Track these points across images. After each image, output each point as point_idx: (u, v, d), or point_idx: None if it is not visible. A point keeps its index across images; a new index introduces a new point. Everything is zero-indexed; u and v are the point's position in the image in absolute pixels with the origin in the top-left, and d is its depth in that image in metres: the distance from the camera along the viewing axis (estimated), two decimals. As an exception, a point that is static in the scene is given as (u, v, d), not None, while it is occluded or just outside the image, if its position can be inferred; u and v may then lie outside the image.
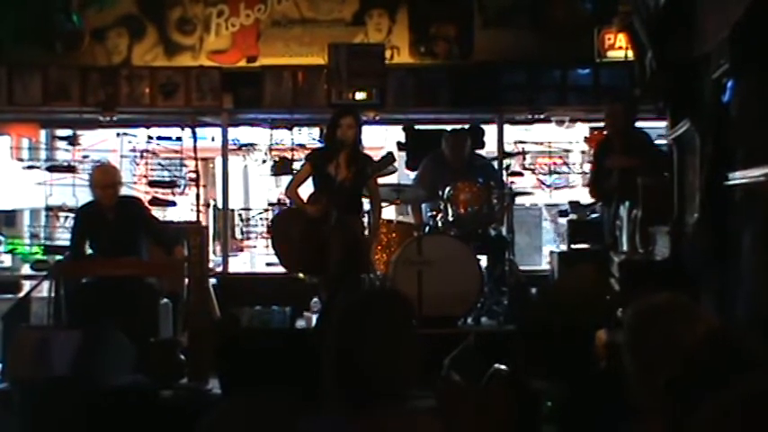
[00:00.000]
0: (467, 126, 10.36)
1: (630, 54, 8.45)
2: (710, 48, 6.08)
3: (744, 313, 5.22)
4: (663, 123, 8.58)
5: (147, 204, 9.09)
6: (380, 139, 12.84)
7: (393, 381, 2.87)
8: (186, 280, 7.94)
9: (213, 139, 11.64)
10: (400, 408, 2.87)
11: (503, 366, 5.08)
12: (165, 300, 8.22)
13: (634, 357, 2.84)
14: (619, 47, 9.61)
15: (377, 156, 8.56)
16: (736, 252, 5.50)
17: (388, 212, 9.64)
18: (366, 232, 8.44)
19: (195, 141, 8.94)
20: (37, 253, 10.51)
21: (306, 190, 8.44)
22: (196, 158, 9.00)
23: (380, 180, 8.65)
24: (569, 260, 9.19)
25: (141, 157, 10.63)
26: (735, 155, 5.61)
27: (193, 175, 9.22)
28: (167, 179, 10.43)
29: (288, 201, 9.04)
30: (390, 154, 8.33)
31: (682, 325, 2.74)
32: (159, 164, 10.53)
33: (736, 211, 5.59)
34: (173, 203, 10.41)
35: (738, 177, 5.45)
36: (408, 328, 2.95)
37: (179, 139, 10.36)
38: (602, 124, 9.78)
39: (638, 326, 2.87)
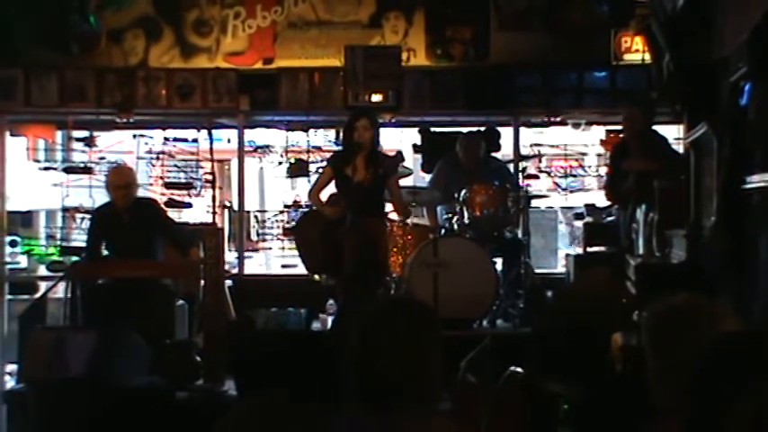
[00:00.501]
0: (482, 128, 10.36)
1: (647, 57, 8.43)
2: (729, 51, 6.07)
3: (761, 317, 5.20)
4: (679, 126, 8.60)
5: (162, 206, 9.12)
6: (396, 141, 12.83)
7: (414, 384, 2.88)
8: (202, 281, 7.96)
9: (229, 141, 11.63)
10: (419, 410, 2.88)
11: (518, 369, 5.08)
12: (181, 301, 8.23)
13: (654, 358, 2.82)
14: (636, 50, 9.60)
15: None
16: (754, 256, 5.48)
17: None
18: (388, 233, 8.47)
19: (211, 143, 8.94)
20: (53, 254, 10.54)
21: (329, 192, 8.47)
22: (212, 160, 9.01)
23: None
24: (585, 263, 9.16)
25: (157, 158, 10.64)
26: (752, 158, 5.59)
27: (209, 177, 9.22)
28: (183, 181, 10.44)
29: (309, 203, 9.07)
30: (399, 153, 8.32)
31: (703, 326, 2.73)
32: (175, 165, 10.54)
33: (754, 214, 5.58)
34: (188, 205, 10.42)
35: (756, 181, 5.43)
36: (431, 332, 2.97)
37: (195, 140, 10.37)
38: (618, 127, 9.75)
39: (660, 326, 2.85)
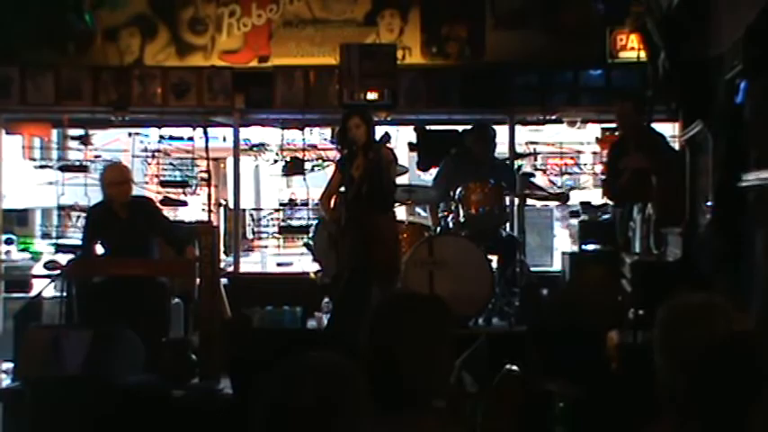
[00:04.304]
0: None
1: (643, 55, 8.43)
2: (724, 49, 6.07)
3: (757, 315, 5.20)
4: (675, 124, 8.59)
5: (158, 204, 9.10)
6: (392, 139, 12.81)
7: (426, 382, 2.88)
8: (197, 280, 7.95)
9: (225, 139, 11.64)
10: (428, 408, 2.88)
11: (514, 367, 5.08)
12: (177, 299, 8.23)
13: (666, 357, 2.77)
14: (631, 47, 9.59)
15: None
16: (749, 253, 5.49)
17: (399, 213, 9.65)
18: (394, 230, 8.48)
19: (207, 141, 8.94)
20: (49, 252, 10.52)
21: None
22: (207, 158, 9.01)
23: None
24: (580, 261, 9.17)
25: (153, 156, 10.64)
26: (748, 156, 5.60)
27: (205, 175, 9.23)
28: (179, 179, 10.44)
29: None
30: (386, 133, 8.29)
31: (718, 326, 2.68)
32: (171, 164, 10.54)
33: (749, 212, 5.58)
34: (184, 203, 10.42)
35: (751, 179, 5.43)
36: (445, 330, 2.98)
37: (190, 138, 10.37)
38: (613, 125, 9.75)
39: (673, 325, 2.79)
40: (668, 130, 9.18)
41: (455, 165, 9.57)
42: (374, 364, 2.91)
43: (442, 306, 3.11)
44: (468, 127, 10.18)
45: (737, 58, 5.61)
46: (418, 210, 10.44)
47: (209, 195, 8.73)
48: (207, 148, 8.95)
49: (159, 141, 10.58)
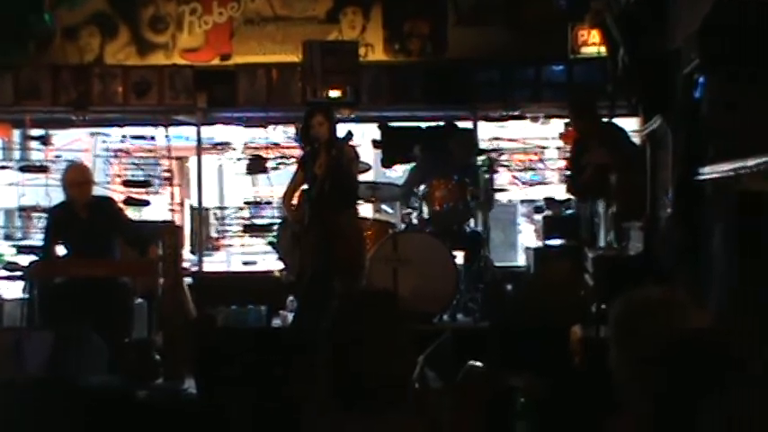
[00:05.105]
0: (441, 123, 10.36)
1: (604, 50, 8.47)
2: (681, 43, 6.10)
3: (714, 308, 5.23)
4: (637, 119, 8.64)
5: (120, 204, 9.05)
6: (356, 136, 12.79)
7: (385, 378, 2.89)
8: (161, 280, 7.91)
9: (187, 138, 11.60)
10: (390, 404, 2.89)
11: (478, 363, 5.09)
12: (140, 300, 8.18)
13: (621, 351, 2.76)
14: (592, 43, 9.62)
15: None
16: (707, 246, 5.52)
17: (365, 210, 9.65)
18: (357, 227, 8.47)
19: (169, 140, 8.91)
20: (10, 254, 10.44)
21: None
22: (170, 157, 8.98)
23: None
24: (544, 256, 9.19)
25: (115, 156, 10.58)
26: (706, 150, 5.62)
27: (168, 175, 9.20)
28: (142, 178, 10.38)
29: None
30: (349, 131, 8.26)
31: (674, 320, 2.68)
32: (133, 163, 10.48)
33: (707, 205, 5.61)
34: (147, 203, 10.36)
35: (709, 172, 5.46)
36: (398, 323, 2.98)
37: (153, 138, 10.32)
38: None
39: (628, 319, 2.78)
40: (630, 124, 9.22)
41: (427, 164, 9.55)
42: (334, 362, 2.92)
43: (392, 299, 3.11)
44: (434, 124, 10.19)
45: (694, 53, 5.64)
46: (384, 207, 10.43)
47: (173, 194, 8.70)
48: (169, 147, 8.92)
49: (121, 141, 10.51)
